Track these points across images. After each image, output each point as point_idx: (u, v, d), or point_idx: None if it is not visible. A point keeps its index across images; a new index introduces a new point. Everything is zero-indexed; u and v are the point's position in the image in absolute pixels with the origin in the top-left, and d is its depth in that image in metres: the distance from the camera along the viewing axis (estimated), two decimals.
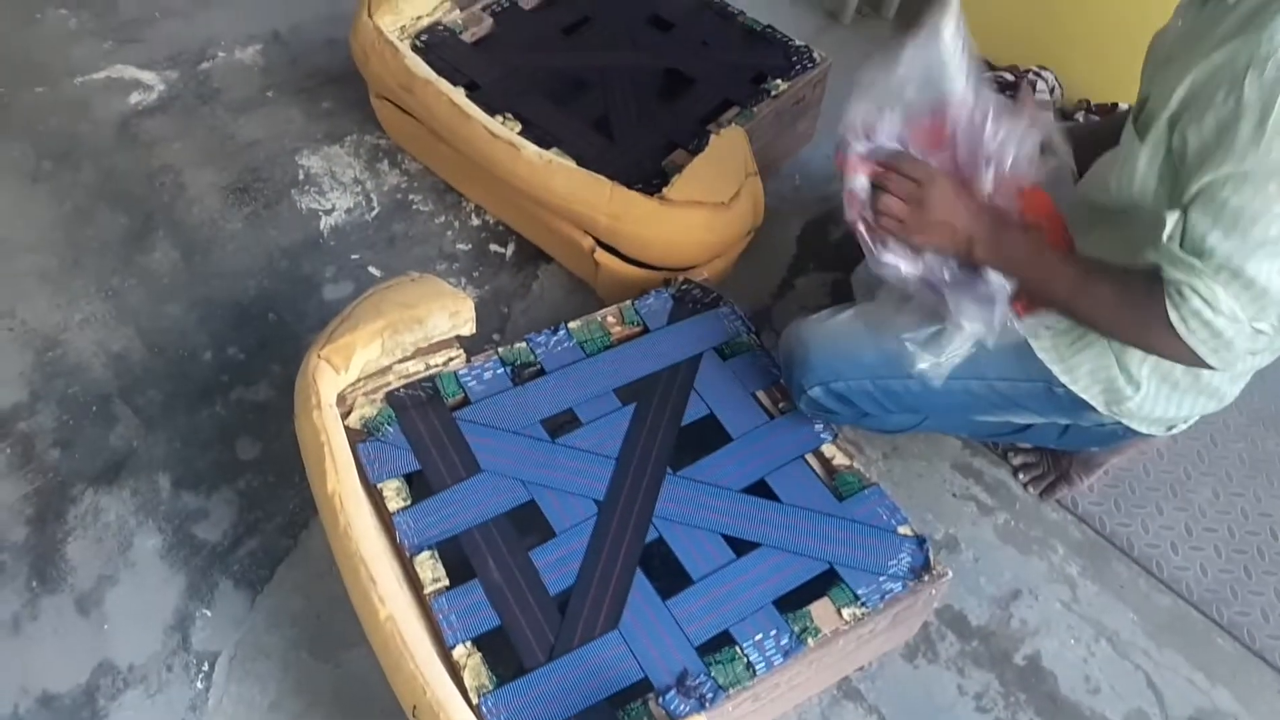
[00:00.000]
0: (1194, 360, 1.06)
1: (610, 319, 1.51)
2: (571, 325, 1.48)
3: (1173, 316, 1.03)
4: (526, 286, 1.79)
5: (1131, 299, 1.08)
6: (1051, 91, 1.89)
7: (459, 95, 1.68)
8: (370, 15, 1.78)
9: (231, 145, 1.96)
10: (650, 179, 1.65)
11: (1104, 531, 1.55)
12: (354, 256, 1.80)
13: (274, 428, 1.57)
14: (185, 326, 1.69)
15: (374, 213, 1.87)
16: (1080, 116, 1.84)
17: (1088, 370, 1.25)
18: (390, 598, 1.13)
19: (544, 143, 1.67)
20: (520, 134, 1.68)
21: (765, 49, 1.91)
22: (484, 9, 1.93)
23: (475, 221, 1.88)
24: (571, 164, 1.61)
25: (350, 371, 1.33)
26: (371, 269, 1.79)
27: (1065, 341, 1.25)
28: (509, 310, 1.75)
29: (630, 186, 1.60)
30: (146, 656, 1.34)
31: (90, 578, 1.41)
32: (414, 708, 1.08)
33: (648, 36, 1.92)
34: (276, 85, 2.08)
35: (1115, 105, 1.82)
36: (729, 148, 1.64)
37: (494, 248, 1.84)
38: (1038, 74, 1.88)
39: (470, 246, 1.84)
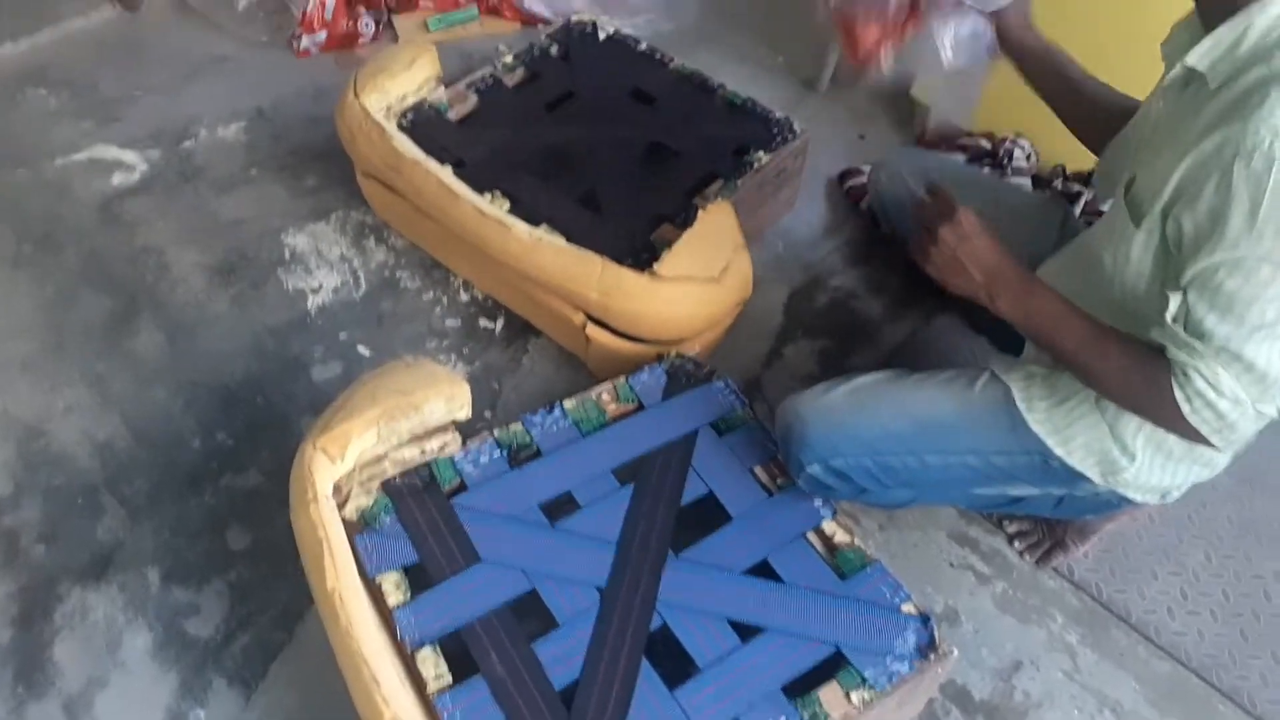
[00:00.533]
0: (1197, 438, 1.07)
1: (605, 396, 1.51)
2: (567, 404, 1.48)
3: (1178, 395, 1.05)
4: (517, 361, 1.79)
5: (1140, 370, 1.10)
6: (1029, 158, 1.94)
7: (447, 174, 1.69)
8: (356, 95, 1.79)
9: (215, 224, 1.96)
10: (639, 254, 1.66)
11: (1101, 598, 1.55)
12: (342, 336, 1.79)
13: (265, 515, 1.54)
14: (171, 412, 1.67)
15: (361, 290, 1.87)
16: (1058, 184, 1.88)
17: (1082, 443, 1.26)
18: (393, 697, 1.11)
19: (532, 219, 1.68)
20: (509, 211, 1.69)
21: (747, 121, 1.94)
22: (468, 86, 1.95)
23: (464, 297, 1.88)
24: (561, 241, 1.62)
25: (346, 461, 1.32)
26: (360, 348, 1.78)
27: (1060, 414, 1.27)
28: (500, 386, 1.75)
29: (620, 262, 1.61)
30: None
31: (79, 680, 1.37)
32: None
33: (631, 111, 1.95)
34: (260, 163, 2.08)
35: (1091, 174, 1.86)
36: (717, 222, 1.66)
37: (483, 323, 1.84)
38: (1014, 142, 1.92)
39: (459, 322, 1.84)
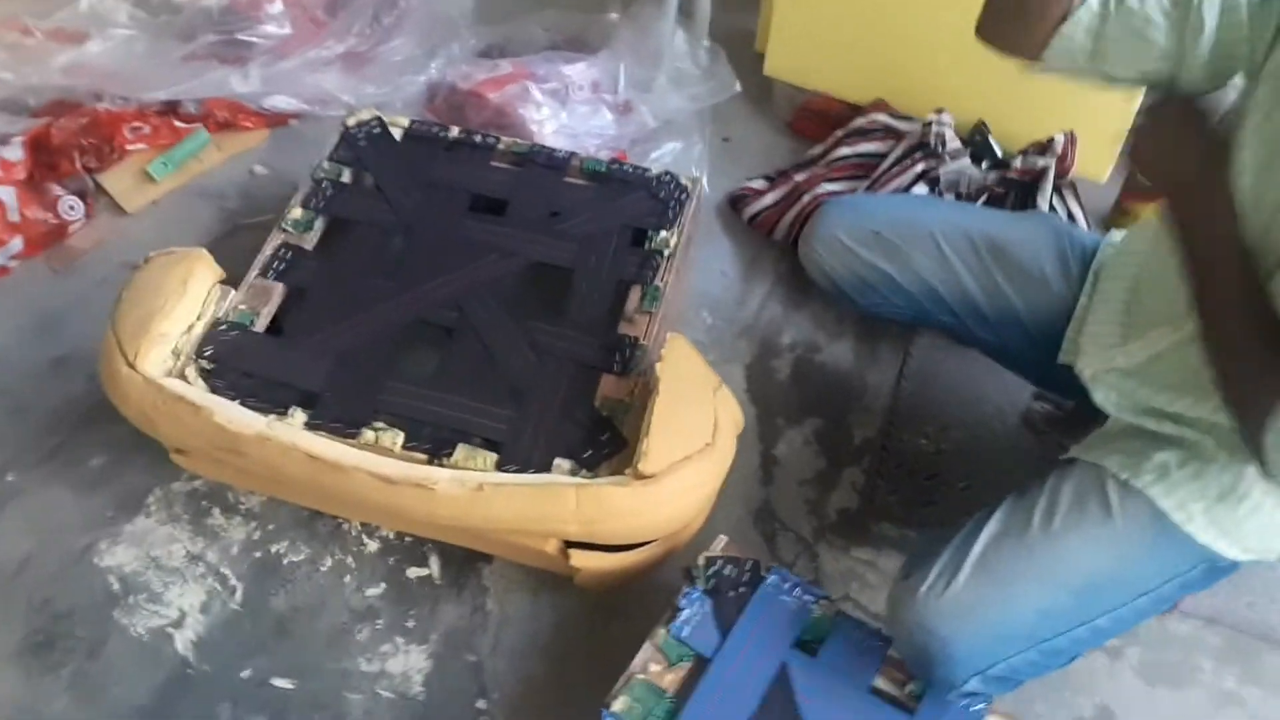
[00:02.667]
0: None
1: (654, 668, 1.14)
2: (617, 708, 1.10)
3: None
4: (481, 610, 1.38)
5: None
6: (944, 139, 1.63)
7: (307, 437, 1.22)
8: (131, 364, 1.26)
9: None
10: (597, 441, 1.27)
11: (1239, 625, 1.36)
12: (245, 674, 1.32)
13: None
14: None
15: (238, 596, 1.38)
16: (1017, 163, 1.59)
17: (1256, 531, 1.03)
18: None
19: (441, 444, 1.26)
20: (407, 447, 1.26)
21: (624, 192, 1.54)
22: (264, 274, 1.44)
23: (371, 547, 1.43)
24: (510, 478, 1.20)
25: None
26: (277, 682, 1.31)
27: (1223, 512, 1.03)
28: (478, 658, 1.34)
29: (587, 466, 1.23)
30: None
31: None
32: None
33: (482, 232, 1.50)
34: (11, 462, 1.50)
35: (1050, 141, 1.59)
36: (679, 367, 1.28)
37: (413, 573, 1.41)
38: (938, 121, 1.61)
39: (384, 586, 1.39)
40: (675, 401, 1.24)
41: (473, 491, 1.19)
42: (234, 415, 1.24)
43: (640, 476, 1.19)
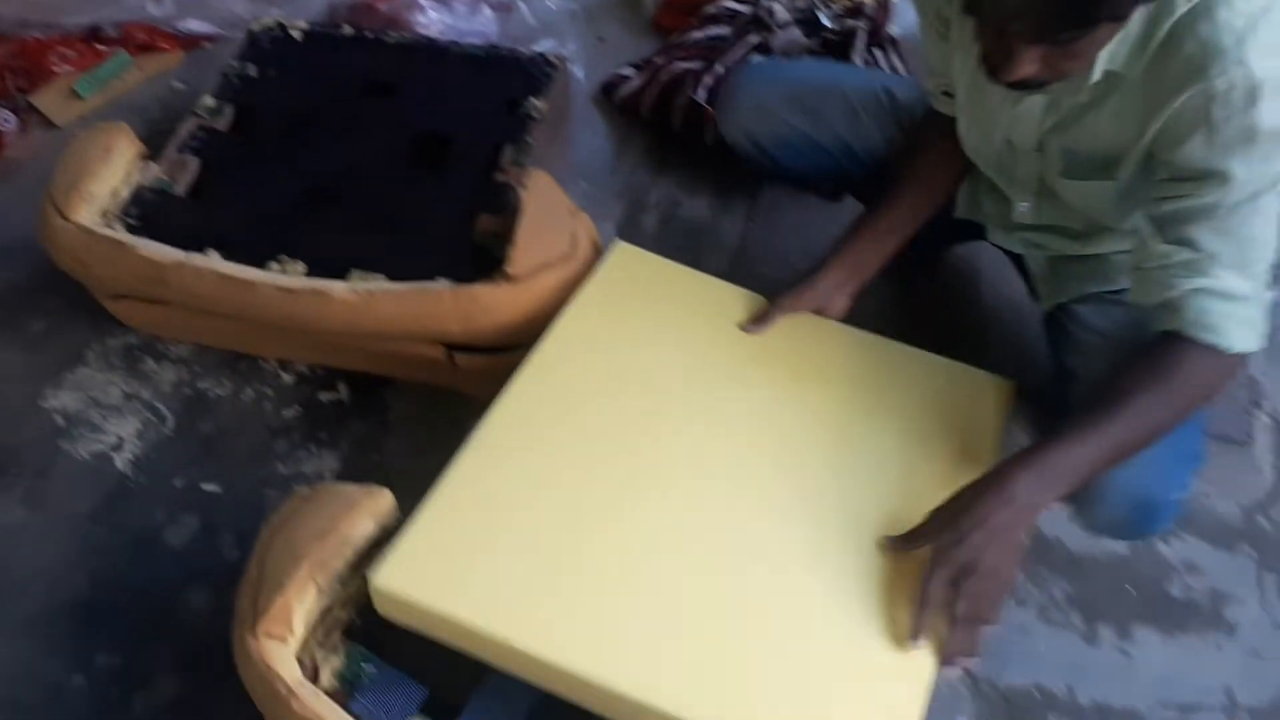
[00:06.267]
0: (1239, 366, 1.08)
1: None
2: None
3: (1213, 343, 1.04)
4: (384, 422, 1.59)
5: (1167, 381, 1.05)
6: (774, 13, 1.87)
7: (222, 263, 1.43)
8: (65, 216, 1.46)
9: None
10: (476, 261, 1.49)
11: None
12: (177, 483, 1.52)
13: (202, 715, 1.31)
14: (29, 662, 1.36)
15: (170, 424, 1.58)
16: (834, 24, 1.83)
17: None
18: None
19: (337, 272, 1.46)
20: (308, 274, 1.46)
21: (499, 71, 1.77)
22: (181, 150, 1.64)
23: (287, 379, 1.64)
24: (393, 285, 1.42)
25: (296, 633, 1.12)
26: (206, 486, 1.52)
27: None
28: (380, 457, 1.55)
29: (462, 280, 1.44)
30: None
31: None
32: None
33: (374, 109, 1.71)
34: None
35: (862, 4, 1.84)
36: (540, 193, 1.50)
37: (324, 396, 1.62)
38: None
39: (298, 409, 1.60)
40: (536, 218, 1.47)
41: (364, 297, 1.40)
42: (155, 249, 1.44)
43: (508, 278, 1.42)
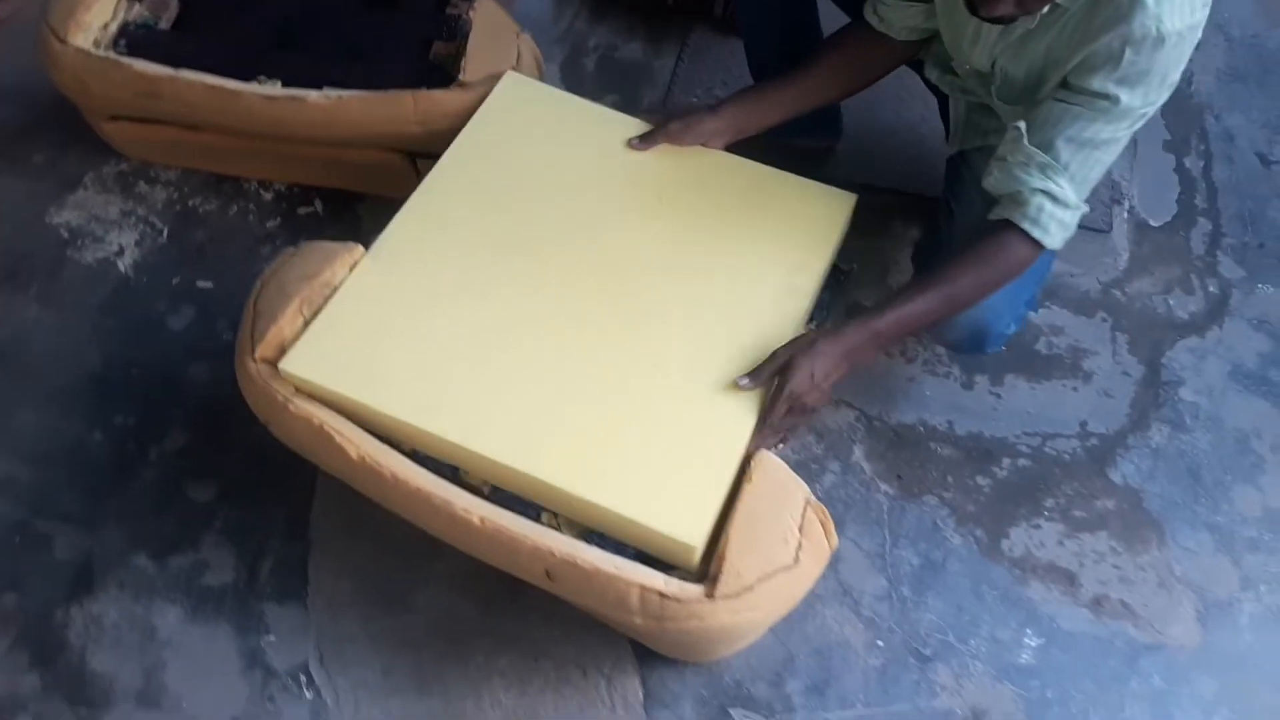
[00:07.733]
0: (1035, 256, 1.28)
1: None
2: None
3: (1034, 234, 1.24)
4: (357, 228, 1.80)
5: (986, 258, 1.26)
6: None
7: (210, 76, 1.62)
8: (63, 40, 1.64)
9: None
10: (427, 76, 1.69)
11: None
12: (174, 281, 1.73)
13: (212, 462, 1.53)
14: (54, 424, 1.57)
15: (165, 234, 1.78)
16: None
17: None
18: (473, 504, 1.21)
19: (310, 88, 1.66)
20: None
21: None
22: None
23: (267, 196, 1.84)
24: (362, 92, 1.62)
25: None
26: (200, 284, 1.72)
27: None
28: None
29: (420, 88, 1.64)
30: (243, 702, 1.34)
31: (136, 676, 1.36)
32: (546, 572, 1.19)
33: None
34: None
35: None
36: (489, 17, 1.70)
37: (302, 210, 1.82)
38: None
39: (279, 220, 1.81)
40: (484, 37, 1.66)
41: (335, 101, 1.60)
42: (148, 65, 1.63)
43: (462, 85, 1.62)
